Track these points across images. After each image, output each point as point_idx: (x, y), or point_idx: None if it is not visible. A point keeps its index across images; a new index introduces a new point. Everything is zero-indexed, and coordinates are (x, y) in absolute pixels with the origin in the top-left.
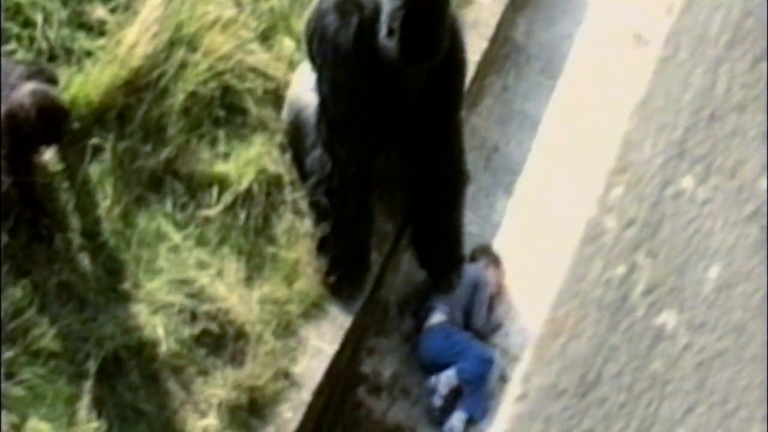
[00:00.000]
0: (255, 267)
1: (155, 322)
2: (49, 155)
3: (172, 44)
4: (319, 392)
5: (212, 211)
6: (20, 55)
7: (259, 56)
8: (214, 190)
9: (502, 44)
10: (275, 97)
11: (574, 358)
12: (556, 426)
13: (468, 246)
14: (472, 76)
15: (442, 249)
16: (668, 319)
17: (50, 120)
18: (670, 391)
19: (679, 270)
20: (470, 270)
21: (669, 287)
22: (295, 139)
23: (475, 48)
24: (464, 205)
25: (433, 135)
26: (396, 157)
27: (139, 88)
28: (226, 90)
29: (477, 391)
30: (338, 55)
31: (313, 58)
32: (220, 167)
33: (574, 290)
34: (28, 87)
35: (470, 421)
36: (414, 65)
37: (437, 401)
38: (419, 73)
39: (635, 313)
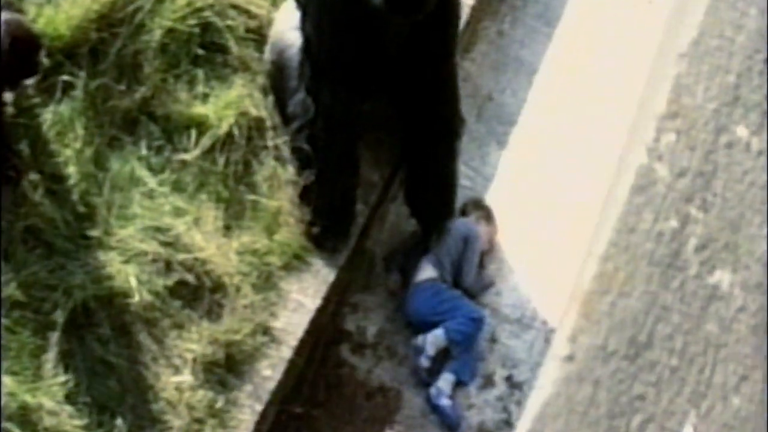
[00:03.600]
0: (234, 215)
1: (127, 271)
2: (14, 93)
3: None
4: (300, 349)
5: (189, 156)
6: None
7: None
8: (192, 133)
9: None
10: (257, 35)
11: (623, 317)
12: (604, 390)
13: (459, 199)
14: (466, 21)
15: (436, 197)
16: (722, 277)
17: (25, 51)
18: (724, 356)
19: (733, 225)
20: (461, 224)
21: (723, 244)
22: (277, 80)
23: None
24: (459, 152)
25: (426, 80)
26: (384, 103)
27: (113, 22)
28: (206, 27)
29: (466, 352)
30: None
31: None
32: (199, 109)
33: (624, 243)
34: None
35: (458, 384)
36: (399, 16)
37: (424, 362)
38: (404, 23)
39: (688, 271)
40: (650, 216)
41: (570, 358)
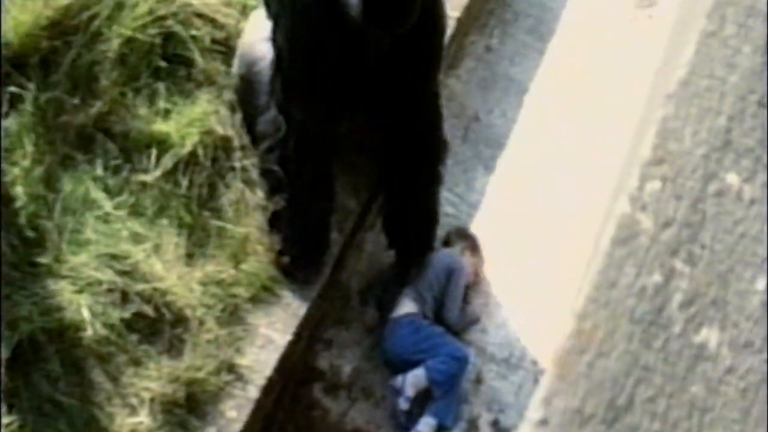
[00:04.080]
0: (197, 243)
1: (80, 302)
2: None
3: None
4: (268, 389)
5: (149, 177)
6: None
7: (209, 0)
8: (152, 153)
9: None
10: (225, 47)
11: (602, 378)
12: None
13: (442, 228)
14: (451, 35)
15: (417, 228)
16: (709, 336)
17: None
18: (711, 420)
19: (722, 280)
20: (444, 255)
21: (710, 299)
22: (246, 96)
23: (455, 2)
24: (442, 178)
25: (407, 100)
26: (361, 123)
27: (67, 30)
28: (169, 37)
29: (448, 394)
30: (298, 3)
31: (268, 5)
32: (160, 126)
33: (604, 299)
34: None
35: (440, 428)
36: (378, 30)
37: (403, 404)
38: (384, 37)
39: (672, 329)
40: (632, 270)
41: (544, 422)
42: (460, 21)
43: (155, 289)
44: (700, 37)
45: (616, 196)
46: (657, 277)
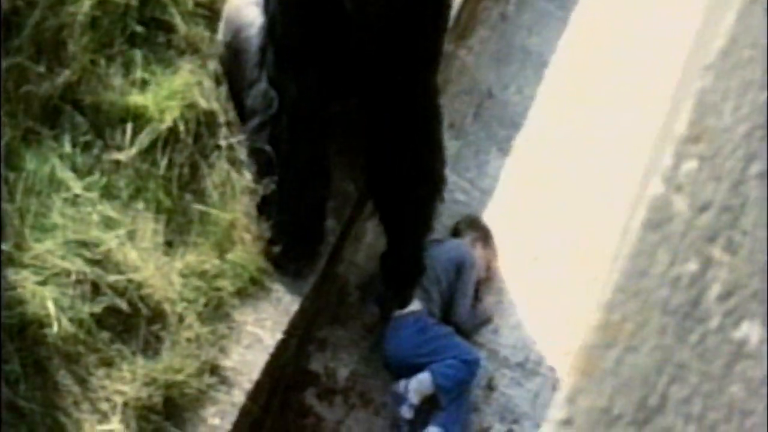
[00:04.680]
0: (177, 229)
1: (44, 294)
2: None
3: None
4: (256, 393)
5: (124, 155)
6: None
7: None
8: (127, 128)
9: None
10: (209, 11)
11: (631, 375)
12: None
13: (451, 216)
14: (462, 1)
15: (401, 269)
16: (750, 331)
17: None
18: (752, 425)
19: (765, 270)
20: (452, 247)
21: (751, 291)
22: (233, 66)
23: None
24: (432, 220)
25: (400, 94)
26: (360, 99)
27: None
28: None
29: (456, 401)
30: None
31: None
32: (136, 99)
33: (634, 288)
34: None
35: None
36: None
37: (406, 412)
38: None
39: (709, 322)
40: (666, 257)
41: (568, 422)
42: None
43: (130, 281)
44: (743, 2)
45: (648, 177)
46: (693, 266)
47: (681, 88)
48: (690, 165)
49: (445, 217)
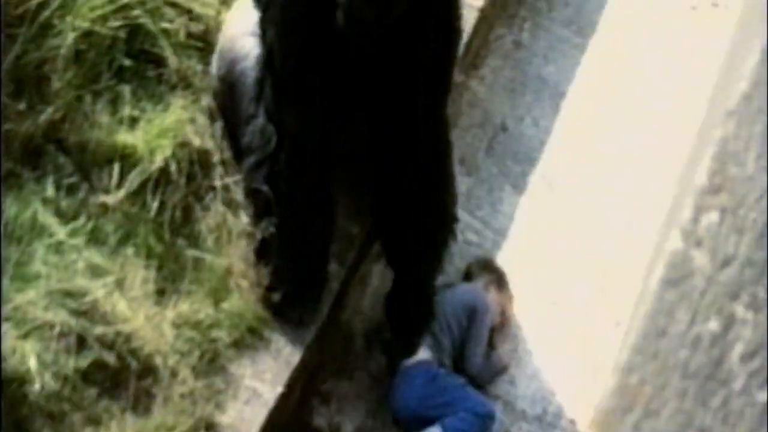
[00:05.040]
0: (170, 277)
1: (26, 348)
2: None
3: None
4: None
5: (111, 198)
6: None
7: None
8: (115, 169)
9: None
10: (202, 42)
11: None
12: None
13: (462, 259)
14: (473, 28)
15: (408, 314)
16: None
17: None
18: None
19: None
20: (465, 292)
21: None
22: (228, 101)
23: None
24: (442, 261)
25: (407, 126)
26: (366, 134)
27: (11, 21)
28: (135, 30)
29: None
30: None
31: None
32: (125, 137)
33: (652, 349)
34: None
35: None
36: (354, 29)
37: None
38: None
39: (732, 384)
40: (685, 316)
41: None
42: (483, 12)
43: (118, 333)
44: (766, 43)
45: (667, 230)
46: (714, 325)
47: (701, 134)
48: (710, 217)
49: (456, 260)
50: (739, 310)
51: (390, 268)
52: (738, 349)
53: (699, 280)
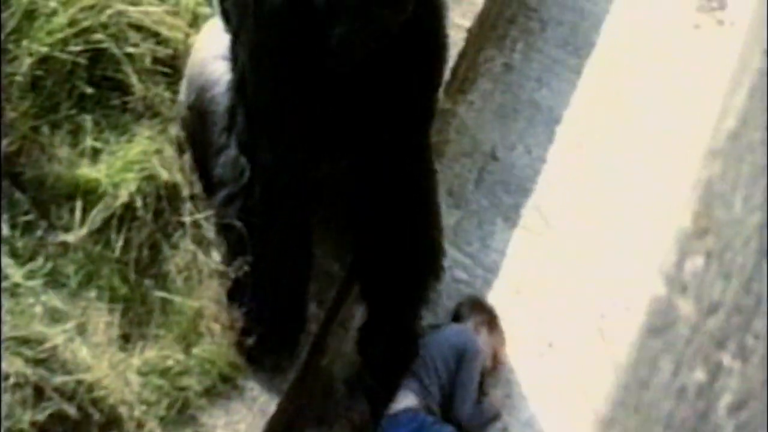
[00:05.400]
0: (136, 321)
1: None
2: None
3: None
4: None
5: (72, 236)
6: None
7: (147, 7)
8: (76, 206)
9: (506, 1)
10: (170, 68)
11: None
12: None
13: (450, 298)
14: (460, 49)
15: (385, 349)
16: None
17: None
18: None
19: None
20: (453, 333)
21: (767, 401)
22: (198, 131)
23: (465, 8)
24: (426, 295)
25: (387, 153)
26: (347, 167)
27: None
28: (97, 56)
29: None
30: (267, 7)
31: (226, 13)
32: (86, 171)
33: (634, 402)
34: None
35: None
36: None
37: None
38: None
39: None
40: (669, 366)
41: None
42: (471, 32)
43: (79, 382)
44: (756, 77)
45: (650, 276)
46: (700, 375)
47: (688, 174)
48: (696, 262)
49: (444, 299)
50: (726, 359)
51: (365, 302)
52: (725, 401)
53: (684, 328)
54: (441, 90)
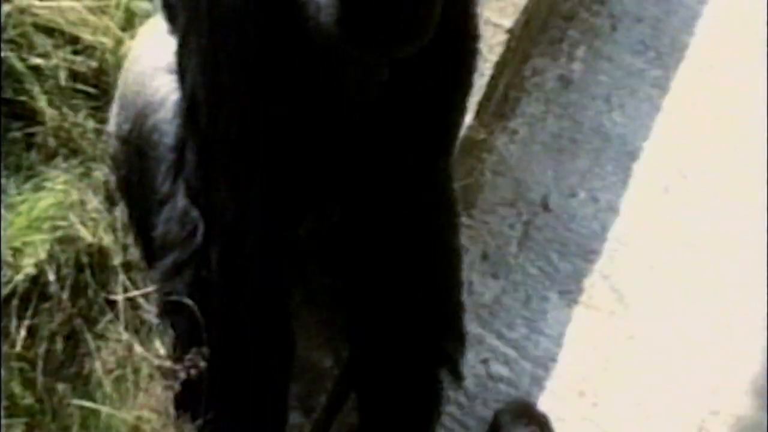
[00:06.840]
0: None
1: None
2: None
3: None
4: None
5: None
6: None
7: (61, 2)
8: None
9: None
10: (93, 86)
11: None
12: None
13: (486, 402)
14: (499, 57)
15: None
16: None
17: None
18: None
19: None
20: None
21: None
22: (135, 174)
23: (503, 4)
24: (440, 399)
25: (389, 215)
26: (340, 223)
27: None
28: None
29: None
30: (223, 7)
31: (171, 10)
32: None
33: None
34: None
35: None
36: (370, 52)
37: None
38: (378, 66)
39: None
40: None
41: None
42: (513, 34)
43: None
44: None
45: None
46: None
47: None
48: None
49: (478, 405)
50: None
51: (365, 411)
52: None
53: None
54: (470, 114)
